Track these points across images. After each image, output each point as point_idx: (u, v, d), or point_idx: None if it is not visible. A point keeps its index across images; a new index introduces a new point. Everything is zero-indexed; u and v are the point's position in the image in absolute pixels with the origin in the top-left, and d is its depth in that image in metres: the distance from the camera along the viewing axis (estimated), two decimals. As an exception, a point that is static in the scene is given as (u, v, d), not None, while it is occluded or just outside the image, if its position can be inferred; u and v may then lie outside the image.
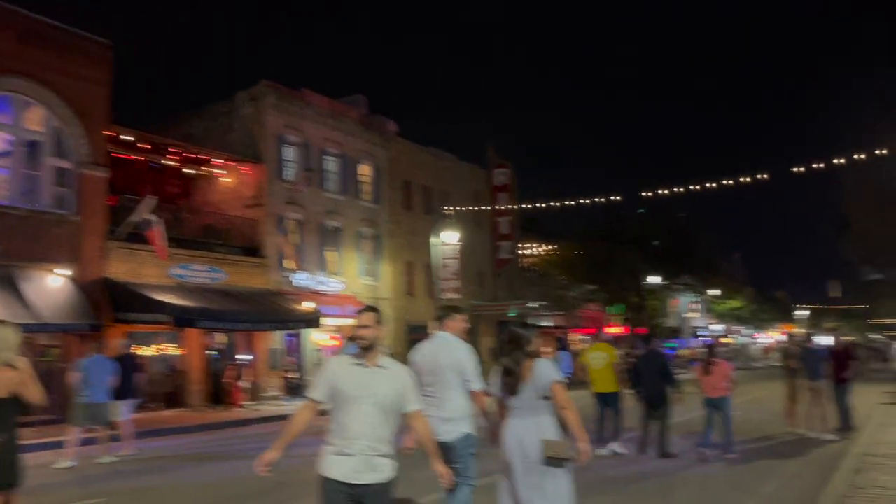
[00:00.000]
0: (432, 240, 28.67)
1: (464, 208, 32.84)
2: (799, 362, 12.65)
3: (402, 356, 23.32)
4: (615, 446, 10.60)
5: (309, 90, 27.88)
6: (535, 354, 4.90)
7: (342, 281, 27.04)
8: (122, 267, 19.91)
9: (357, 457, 3.97)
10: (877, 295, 53.91)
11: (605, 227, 39.34)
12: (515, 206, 36.46)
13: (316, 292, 25.48)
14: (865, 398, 18.38)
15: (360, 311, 4.27)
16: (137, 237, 19.94)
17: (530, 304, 37.50)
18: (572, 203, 25.73)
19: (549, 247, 41.92)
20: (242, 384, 22.08)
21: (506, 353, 4.91)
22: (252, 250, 24.54)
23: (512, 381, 4.74)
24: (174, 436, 16.00)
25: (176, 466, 11.52)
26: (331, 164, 27.99)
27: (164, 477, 10.45)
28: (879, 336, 70.79)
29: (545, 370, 4.77)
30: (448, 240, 28.46)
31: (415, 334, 30.55)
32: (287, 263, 25.10)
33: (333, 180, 28.03)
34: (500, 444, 4.84)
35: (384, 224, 30.15)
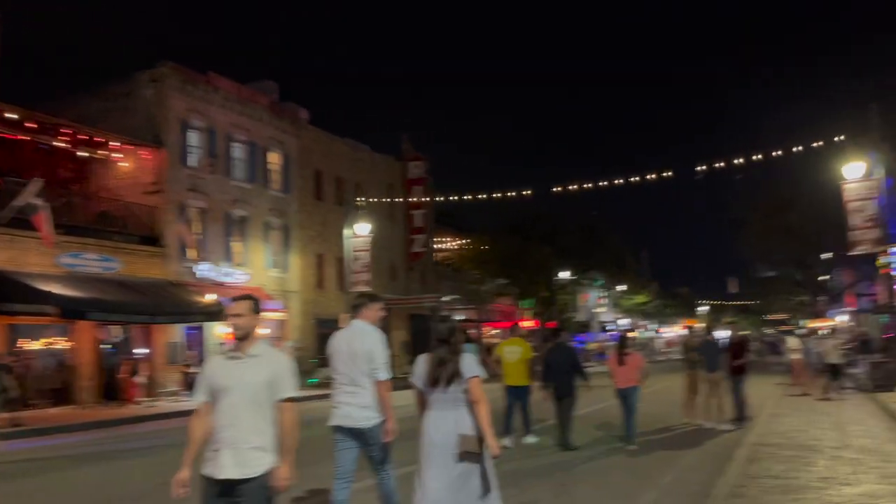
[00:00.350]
0: (344, 231, 28.09)
1: (377, 200, 32.33)
2: (698, 354, 12.92)
3: (310, 350, 22.77)
4: (529, 438, 10.72)
5: (215, 74, 26.78)
6: (461, 348, 4.94)
7: (248, 272, 26.14)
8: (3, 254, 18.53)
9: (224, 450, 3.78)
10: (770, 291, 56.86)
11: (517, 223, 39.72)
12: (429, 199, 36.23)
13: (219, 284, 24.51)
14: (759, 389, 19.13)
15: (234, 300, 4.09)
16: (21, 223, 18.57)
17: (444, 298, 37.41)
18: (483, 197, 25.70)
19: (464, 241, 42.05)
20: (138, 379, 20.96)
21: (437, 345, 4.87)
22: (151, 239, 23.35)
23: (445, 374, 4.73)
24: (59, 434, 14.97)
25: (51, 467, 10.68)
26: (238, 151, 26.99)
27: (35, 480, 9.64)
28: (773, 330, 74.69)
29: (468, 364, 4.81)
30: (360, 232, 27.93)
31: (324, 328, 29.92)
32: (189, 253, 24.01)
33: (240, 168, 27.05)
34: (421, 435, 4.81)
35: (294, 214, 29.35)
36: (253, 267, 26.79)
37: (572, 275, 44.96)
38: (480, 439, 4.68)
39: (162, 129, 24.10)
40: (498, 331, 48.70)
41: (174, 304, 22.00)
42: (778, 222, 37.49)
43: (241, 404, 3.83)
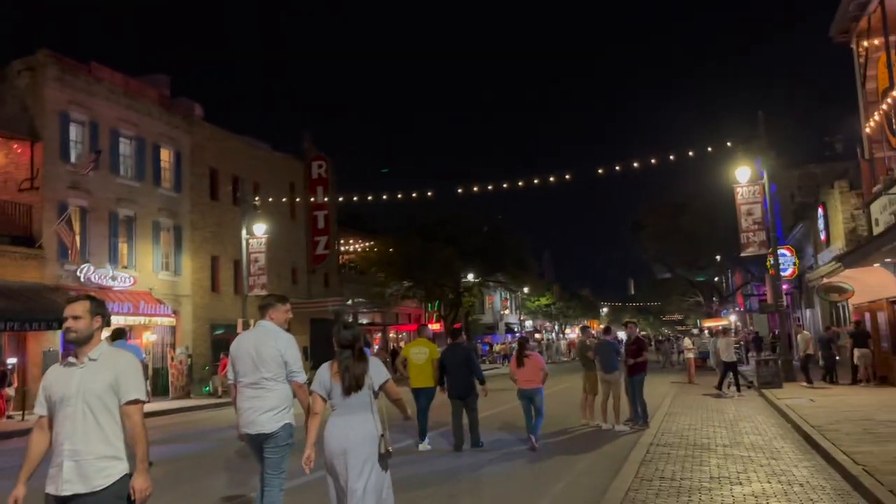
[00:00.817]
0: (243, 233, 26.95)
1: (272, 200, 31.23)
2: (595, 355, 12.84)
3: (203, 357, 21.50)
4: (425, 444, 10.59)
5: (99, 64, 25.11)
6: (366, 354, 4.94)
7: (135, 275, 24.58)
8: None
9: (67, 464, 3.52)
10: (666, 292, 58.95)
11: (422, 225, 39.41)
12: (330, 200, 35.37)
13: (104, 288, 22.92)
14: (655, 389, 19.45)
15: (69, 301, 3.81)
16: None
17: (348, 302, 36.65)
18: (385, 197, 25.17)
19: (369, 243, 41.37)
20: (7, 392, 19.26)
21: (342, 352, 4.79)
22: (25, 240, 21.58)
23: (352, 379, 4.68)
24: None
25: None
26: (125, 147, 25.41)
27: None
28: (669, 331, 77.55)
29: (378, 369, 4.83)
30: (256, 232, 26.85)
31: (220, 334, 28.64)
32: (69, 255, 22.33)
33: (128, 164, 25.47)
34: (325, 441, 4.72)
35: (186, 214, 27.92)
36: (141, 269, 25.25)
37: (476, 277, 45.11)
38: (389, 441, 4.76)
39: (38, 121, 22.32)
40: (403, 334, 48.46)
41: (50, 310, 20.33)
42: (673, 225, 38.81)
43: (82, 413, 3.58)
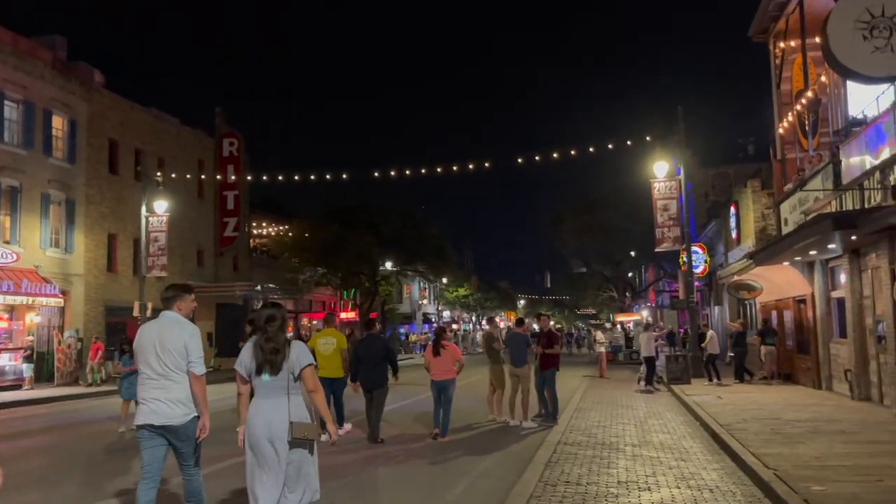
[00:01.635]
0: (143, 210, 25.22)
1: (179, 177, 29.49)
2: (503, 347, 12.24)
3: (99, 340, 19.66)
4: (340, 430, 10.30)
5: (-17, 18, 22.89)
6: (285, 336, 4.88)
7: (18, 251, 22.58)
8: None
9: None
10: (583, 287, 59.66)
11: (339, 210, 38.22)
12: (240, 180, 33.78)
13: (-20, 263, 20.93)
14: (566, 383, 19.16)
15: None
16: None
17: (257, 287, 35.15)
18: (298, 178, 24.03)
19: (284, 227, 39.87)
20: None
21: (268, 332, 4.77)
22: None
23: (278, 361, 4.67)
24: None
25: None
26: (10, 112, 23.29)
27: None
28: (582, 325, 78.83)
29: (301, 353, 4.79)
30: (157, 210, 25.17)
31: (116, 316, 26.85)
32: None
33: (13, 130, 23.36)
34: (247, 420, 4.71)
35: (81, 188, 25.92)
36: (26, 245, 23.22)
37: (395, 265, 44.19)
38: (312, 426, 4.73)
39: None
40: (317, 322, 47.18)
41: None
42: (592, 220, 39.02)
43: None
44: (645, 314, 47.70)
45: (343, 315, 42.77)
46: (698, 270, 27.80)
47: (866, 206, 12.03)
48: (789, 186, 19.03)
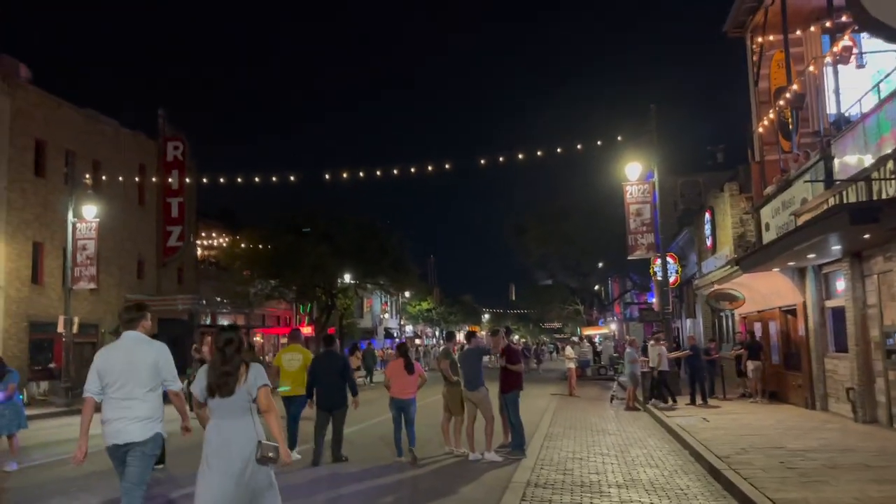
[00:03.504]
0: (70, 215, 22.94)
1: (116, 181, 27.22)
2: (447, 365, 10.25)
3: (18, 360, 17.54)
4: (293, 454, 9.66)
5: None
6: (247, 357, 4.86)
7: (-78, 260, 20.17)
8: None
9: None
10: (548, 300, 58.17)
11: (291, 218, 36.16)
12: (185, 186, 31.59)
13: None
14: (533, 402, 17.45)
15: None
16: None
17: (203, 301, 32.85)
18: (241, 180, 21.99)
19: (236, 238, 37.58)
20: None
21: (225, 355, 4.74)
22: None
23: (230, 384, 4.66)
24: None
25: None
26: (-82, 105, 20.94)
27: None
28: (547, 339, 77.45)
29: (257, 374, 4.78)
30: (86, 216, 22.90)
31: (41, 332, 24.45)
32: None
33: (-80, 126, 20.99)
34: (204, 441, 4.66)
35: (2, 192, 23.49)
36: (-66, 254, 20.80)
37: (354, 278, 42.10)
38: (273, 446, 4.65)
39: None
40: (272, 337, 44.83)
41: None
42: (557, 229, 37.54)
43: None
44: (613, 327, 46.35)
45: (302, 330, 40.59)
46: (670, 281, 26.41)
47: (874, 199, 10.58)
48: (771, 189, 17.68)
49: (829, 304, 13.52)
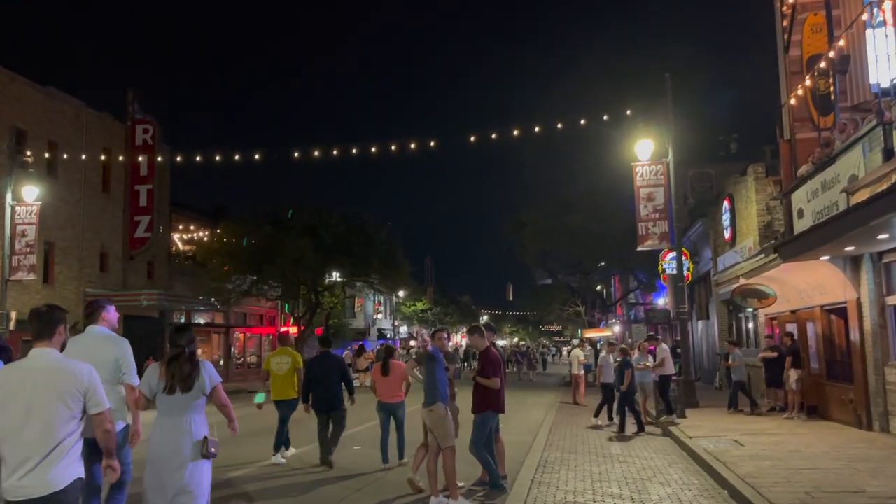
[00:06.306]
0: (8, 197, 20.46)
1: (76, 165, 24.72)
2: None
3: None
4: (285, 454, 10.03)
5: None
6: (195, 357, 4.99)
7: None
8: None
9: None
10: (548, 301, 55.54)
11: (271, 210, 33.63)
12: (155, 173, 29.13)
13: None
14: (528, 413, 14.96)
15: None
16: None
17: (169, 297, 30.33)
18: (219, 159, 19.44)
19: (212, 230, 35.00)
20: None
21: (187, 353, 4.90)
22: None
23: (192, 380, 4.78)
24: None
25: None
26: None
27: None
28: (547, 342, 74.82)
29: (212, 372, 4.93)
30: (26, 198, 20.37)
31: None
32: None
33: None
34: (150, 439, 4.81)
35: (-66, 171, 21.03)
36: None
37: (342, 276, 39.41)
38: (216, 441, 4.80)
39: None
40: (253, 336, 42.30)
41: None
42: (558, 223, 34.95)
43: None
44: (617, 330, 43.89)
45: (283, 330, 37.93)
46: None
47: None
48: (806, 168, 15.08)
49: (892, 301, 10.97)
